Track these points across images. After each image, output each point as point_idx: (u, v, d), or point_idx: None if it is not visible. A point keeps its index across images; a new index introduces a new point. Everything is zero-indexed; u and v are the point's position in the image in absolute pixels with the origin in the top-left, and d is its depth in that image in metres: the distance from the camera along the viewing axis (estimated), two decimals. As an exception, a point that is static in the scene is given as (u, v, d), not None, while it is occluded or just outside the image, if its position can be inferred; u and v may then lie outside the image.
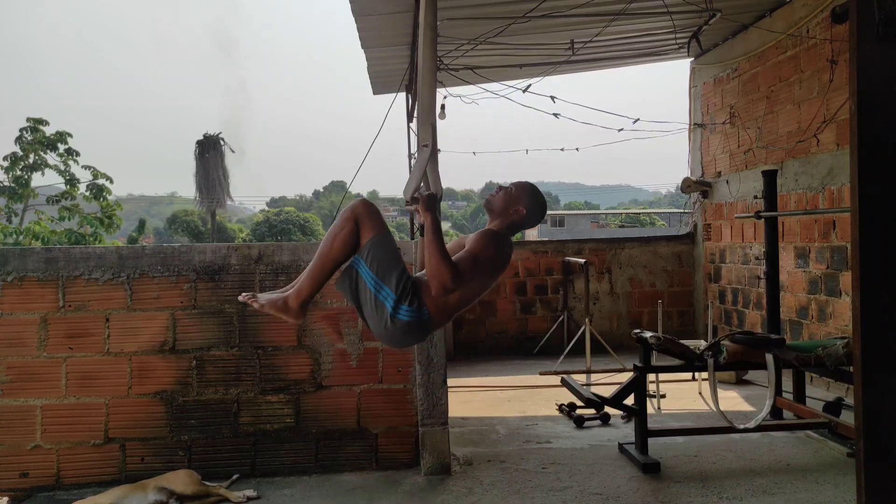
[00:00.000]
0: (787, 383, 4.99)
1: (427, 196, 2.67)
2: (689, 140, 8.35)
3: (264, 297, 2.72)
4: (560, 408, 5.21)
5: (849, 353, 3.87)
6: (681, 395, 5.62)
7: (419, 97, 2.90)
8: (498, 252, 2.77)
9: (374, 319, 2.66)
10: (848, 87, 3.60)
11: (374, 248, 2.66)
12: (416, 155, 8.00)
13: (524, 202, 2.83)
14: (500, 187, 2.90)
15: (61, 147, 13.44)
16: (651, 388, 5.30)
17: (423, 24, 2.83)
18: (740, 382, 6.03)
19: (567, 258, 8.07)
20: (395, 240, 2.79)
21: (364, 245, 2.66)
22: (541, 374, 6.42)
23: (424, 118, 2.82)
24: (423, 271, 2.68)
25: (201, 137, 40.30)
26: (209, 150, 39.86)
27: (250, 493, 3.55)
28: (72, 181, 13.29)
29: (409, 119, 8.02)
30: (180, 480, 3.45)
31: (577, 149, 9.53)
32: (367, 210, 2.69)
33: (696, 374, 5.74)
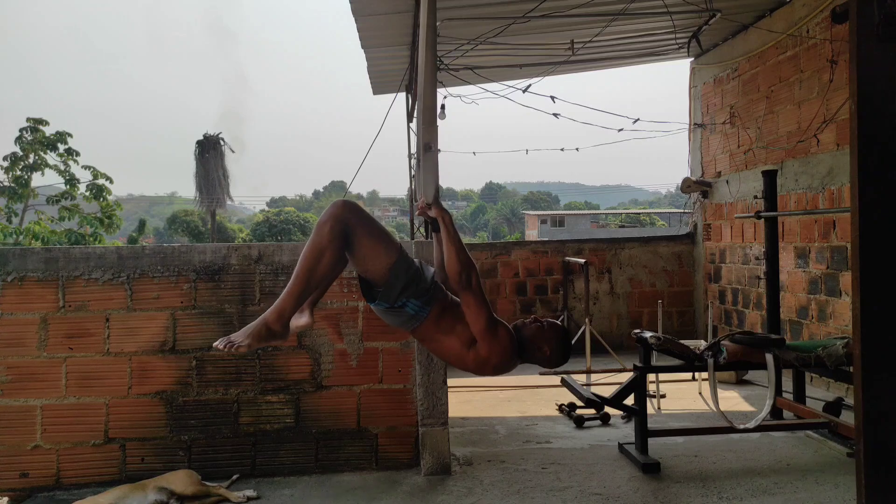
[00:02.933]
0: (787, 383, 4.99)
1: (436, 197, 2.75)
2: (689, 140, 8.35)
3: (239, 335, 2.48)
4: (560, 408, 5.21)
5: (849, 353, 3.87)
6: (681, 395, 5.62)
7: (421, 98, 2.91)
8: (499, 362, 2.79)
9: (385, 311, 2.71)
10: (848, 87, 3.60)
11: (407, 282, 2.63)
12: (415, 155, 8.01)
13: (551, 344, 2.89)
14: (536, 318, 2.93)
15: (61, 147, 13.44)
16: (651, 388, 5.30)
17: (424, 26, 2.84)
18: (740, 382, 6.03)
19: (567, 258, 8.07)
20: (398, 241, 2.79)
21: (388, 280, 2.62)
22: (541, 374, 6.42)
23: (430, 119, 2.83)
24: (446, 267, 2.73)
25: (201, 137, 40.34)
26: (209, 150, 39.89)
27: (250, 493, 3.55)
28: (72, 181, 13.30)
29: (410, 119, 8.02)
30: (180, 480, 3.45)
31: (577, 149, 9.58)
32: (359, 218, 2.58)
33: (696, 374, 5.74)
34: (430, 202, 2.77)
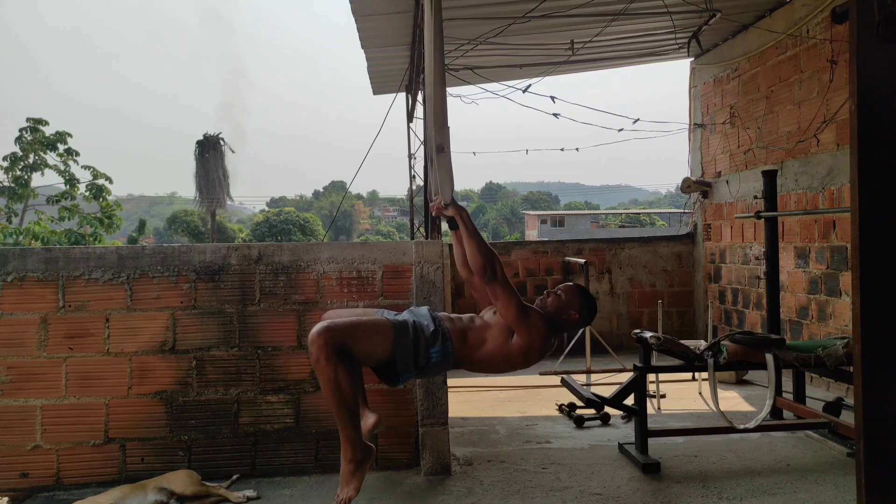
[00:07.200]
0: (787, 383, 4.99)
1: (452, 196, 2.90)
2: (689, 140, 8.35)
3: (341, 489, 2.83)
4: (560, 408, 5.21)
5: (849, 353, 3.87)
6: (681, 395, 5.62)
7: (432, 100, 2.94)
8: (541, 344, 2.87)
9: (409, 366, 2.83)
10: (848, 87, 3.60)
11: (415, 345, 2.75)
12: (414, 155, 8.00)
13: (576, 307, 2.94)
14: (549, 292, 2.99)
15: (61, 147, 13.47)
16: (651, 388, 5.30)
17: (430, 30, 2.85)
18: (740, 382, 6.03)
19: (567, 258, 8.07)
20: (382, 318, 2.85)
21: (397, 357, 2.74)
22: (541, 374, 6.42)
23: (441, 121, 2.88)
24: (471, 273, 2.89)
25: (201, 137, 40.39)
26: (209, 150, 39.96)
27: (250, 493, 3.55)
28: (72, 181, 13.32)
29: (409, 119, 8.02)
30: (180, 480, 3.45)
31: (577, 149, 9.58)
32: (340, 332, 2.68)
33: (696, 374, 5.74)
34: (447, 202, 2.81)
